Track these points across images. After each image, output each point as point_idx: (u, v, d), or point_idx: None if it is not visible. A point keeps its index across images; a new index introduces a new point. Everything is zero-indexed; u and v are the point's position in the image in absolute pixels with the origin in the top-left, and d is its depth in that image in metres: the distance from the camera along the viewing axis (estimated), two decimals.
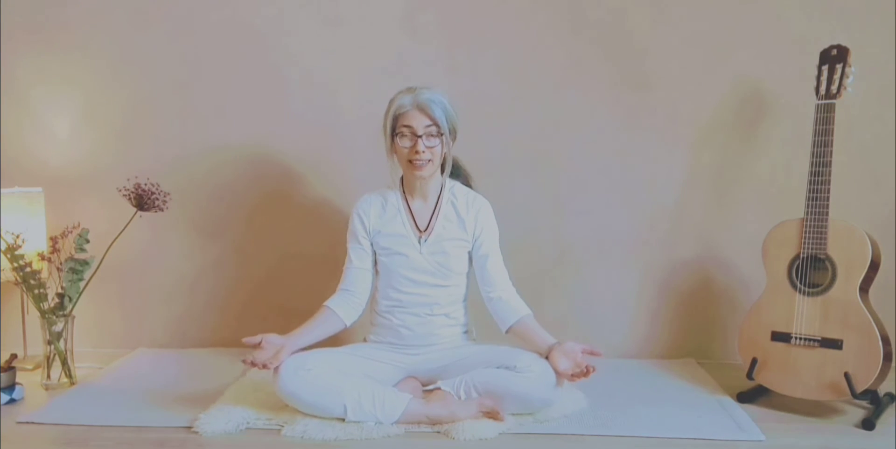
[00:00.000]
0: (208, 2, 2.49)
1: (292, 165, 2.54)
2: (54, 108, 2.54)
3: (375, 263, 2.11)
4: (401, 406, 1.87)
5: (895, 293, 2.41)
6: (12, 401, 2.08)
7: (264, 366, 1.87)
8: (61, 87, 2.53)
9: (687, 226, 2.52)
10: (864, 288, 1.99)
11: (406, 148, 1.99)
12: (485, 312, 2.09)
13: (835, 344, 1.98)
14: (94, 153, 2.55)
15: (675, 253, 2.53)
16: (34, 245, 2.31)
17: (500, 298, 2.06)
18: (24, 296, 2.33)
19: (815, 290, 2.02)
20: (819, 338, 2.00)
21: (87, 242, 2.25)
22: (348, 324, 2.07)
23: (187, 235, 2.57)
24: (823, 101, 2.05)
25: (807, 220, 2.03)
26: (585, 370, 1.84)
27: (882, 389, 2.06)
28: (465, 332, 2.14)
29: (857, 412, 2.04)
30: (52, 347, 2.22)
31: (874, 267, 1.99)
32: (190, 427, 1.86)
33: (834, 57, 2.08)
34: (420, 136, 1.97)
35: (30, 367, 2.38)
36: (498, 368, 1.93)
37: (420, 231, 2.06)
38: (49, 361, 2.23)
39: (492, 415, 1.88)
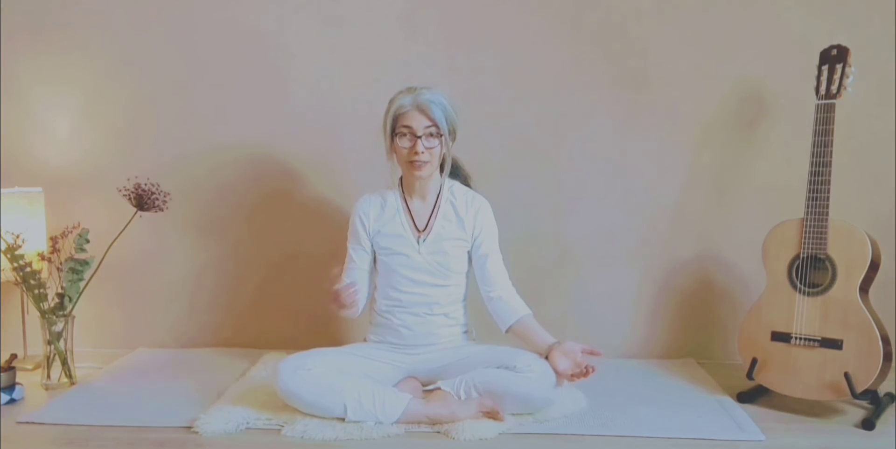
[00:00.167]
0: (208, 2, 2.49)
1: (292, 165, 2.54)
2: (54, 108, 2.54)
3: (375, 262, 2.11)
4: (401, 406, 1.87)
5: (895, 293, 2.41)
6: (12, 401, 2.08)
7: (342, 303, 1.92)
8: (61, 87, 2.53)
9: (687, 226, 2.52)
10: (864, 288, 1.99)
11: (405, 148, 1.99)
12: (484, 312, 2.09)
13: (835, 344, 1.98)
14: (94, 153, 2.55)
15: (675, 253, 2.53)
16: (34, 245, 2.31)
17: (499, 297, 2.06)
18: (24, 296, 2.33)
19: (815, 290, 2.02)
20: (819, 338, 2.00)
21: (87, 241, 2.25)
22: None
23: (187, 235, 2.57)
24: (823, 101, 2.05)
25: (807, 221, 2.03)
26: (585, 370, 1.84)
27: (882, 389, 2.06)
28: (465, 332, 2.14)
29: (857, 412, 2.04)
30: (52, 347, 2.22)
31: (874, 267, 1.99)
32: (190, 427, 1.87)
33: (834, 57, 2.08)
34: (420, 137, 1.97)
35: (30, 367, 2.38)
36: (498, 368, 1.93)
37: (419, 231, 2.06)
38: (49, 361, 2.23)
39: (492, 415, 1.88)
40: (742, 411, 2.02)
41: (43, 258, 2.26)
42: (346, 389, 1.87)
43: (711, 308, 2.53)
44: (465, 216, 2.07)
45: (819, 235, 2.01)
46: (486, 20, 2.47)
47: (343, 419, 1.86)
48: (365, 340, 2.16)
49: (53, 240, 2.25)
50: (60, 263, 2.24)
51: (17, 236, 2.16)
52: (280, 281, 2.58)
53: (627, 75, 2.48)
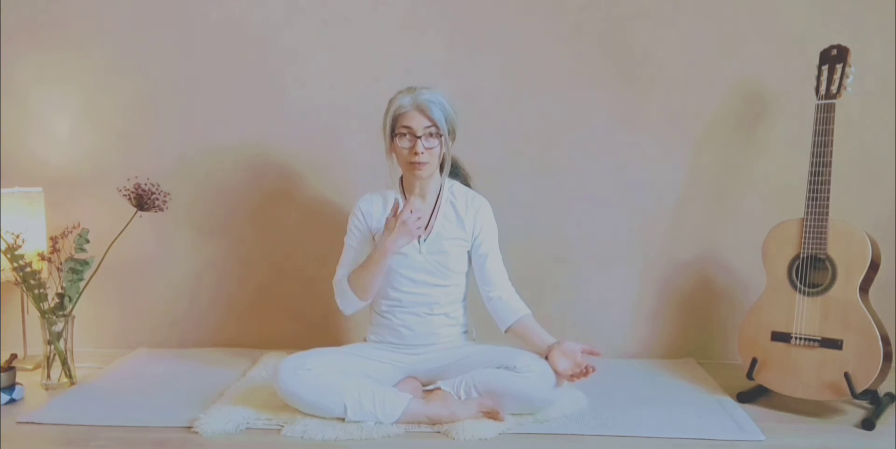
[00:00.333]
0: (209, 1, 2.49)
1: (292, 165, 2.54)
2: (54, 108, 2.54)
3: None
4: (401, 406, 1.87)
5: (895, 293, 2.41)
6: (12, 401, 2.08)
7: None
8: (61, 86, 2.53)
9: (687, 226, 2.52)
10: (864, 288, 1.99)
11: (405, 148, 1.99)
12: (484, 312, 2.09)
13: (835, 344, 1.98)
14: (94, 153, 2.55)
15: (675, 253, 2.53)
16: (34, 245, 2.31)
17: (499, 297, 2.06)
18: (24, 296, 2.33)
19: (815, 290, 2.02)
20: (819, 338, 2.00)
21: (87, 241, 2.25)
22: (346, 313, 2.08)
23: (187, 235, 2.57)
24: (823, 101, 2.05)
25: (807, 221, 2.03)
26: (585, 370, 1.84)
27: (882, 389, 2.06)
28: (465, 331, 2.14)
29: (857, 412, 2.04)
30: (52, 347, 2.22)
31: (874, 267, 1.99)
32: (190, 427, 1.87)
33: (834, 57, 2.08)
34: (419, 137, 1.97)
35: (30, 367, 2.38)
36: (498, 368, 1.93)
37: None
38: (49, 361, 2.23)
39: (492, 415, 1.88)
40: (742, 411, 2.02)
41: (43, 258, 2.26)
42: (346, 389, 1.87)
43: (711, 308, 2.53)
44: (466, 216, 2.07)
45: (819, 235, 2.01)
46: (486, 20, 2.47)
47: (343, 419, 1.86)
48: (365, 340, 2.16)
49: (53, 240, 2.25)
50: (60, 263, 2.24)
51: (17, 236, 2.16)
52: (280, 281, 2.58)
53: (627, 75, 2.48)
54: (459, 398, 1.92)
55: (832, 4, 2.40)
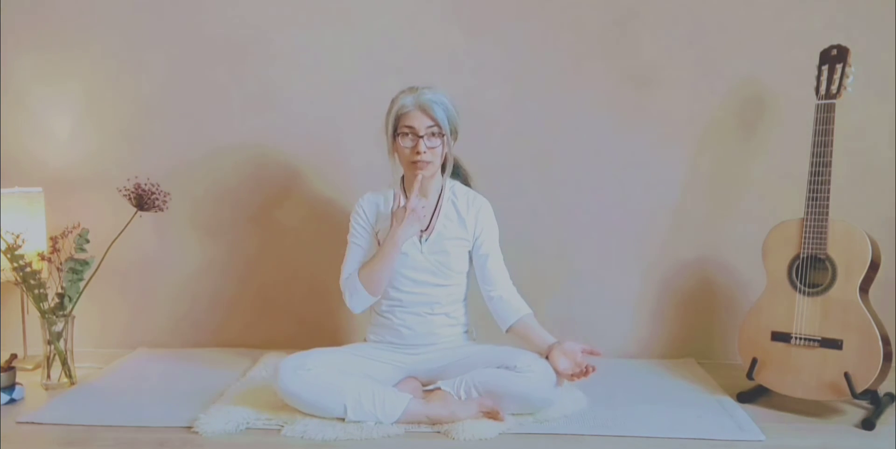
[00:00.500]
0: (209, 1, 2.49)
1: (293, 165, 2.54)
2: (54, 108, 2.54)
3: None
4: (401, 406, 1.87)
5: (895, 293, 2.41)
6: (12, 401, 2.08)
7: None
8: (62, 86, 2.53)
9: (687, 226, 2.52)
10: (864, 288, 1.99)
11: (408, 148, 1.99)
12: (485, 312, 2.09)
13: (835, 344, 1.98)
14: (94, 153, 2.55)
15: (675, 253, 2.53)
16: (34, 245, 2.31)
17: (500, 297, 2.06)
18: (24, 296, 2.33)
19: (815, 290, 2.02)
20: (819, 338, 2.00)
21: (87, 242, 2.25)
22: (357, 311, 2.08)
23: (188, 235, 2.57)
24: (823, 101, 2.05)
25: (807, 221, 2.03)
26: (585, 370, 1.84)
27: (882, 389, 2.06)
28: (466, 331, 2.14)
29: (857, 412, 2.04)
30: (52, 347, 2.22)
31: (874, 267, 1.99)
32: (190, 427, 1.86)
33: (834, 57, 2.08)
34: (422, 137, 1.97)
35: (30, 367, 2.38)
36: (498, 368, 1.93)
37: (421, 230, 2.06)
38: (49, 361, 2.23)
39: (492, 415, 1.88)
40: (742, 411, 2.02)
41: (43, 258, 2.26)
42: (346, 389, 1.87)
43: (711, 308, 2.53)
44: (467, 216, 2.08)
45: (819, 235, 2.01)
46: (487, 20, 2.47)
47: (343, 419, 1.86)
48: (365, 340, 2.16)
49: (53, 240, 2.25)
50: (60, 263, 2.24)
51: (17, 236, 2.16)
52: (280, 281, 2.58)
53: (628, 75, 2.48)
54: (459, 398, 1.92)
55: (832, 4, 2.41)
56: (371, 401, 1.86)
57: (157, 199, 2.28)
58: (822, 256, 2.01)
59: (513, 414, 1.91)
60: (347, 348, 2.09)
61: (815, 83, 2.08)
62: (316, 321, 2.58)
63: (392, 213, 2.00)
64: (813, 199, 2.02)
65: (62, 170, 2.54)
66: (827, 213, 2.00)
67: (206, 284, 2.59)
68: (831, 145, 2.02)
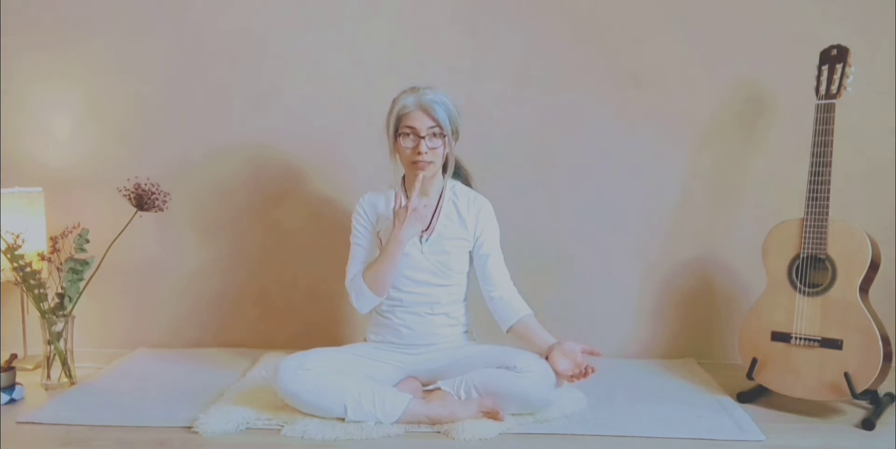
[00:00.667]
0: (210, 2, 2.49)
1: (294, 165, 2.54)
2: (54, 108, 2.53)
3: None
4: (401, 406, 1.87)
5: (895, 293, 2.41)
6: (12, 401, 2.08)
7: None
8: (62, 86, 2.53)
9: (687, 226, 2.52)
10: (864, 288, 1.99)
11: (409, 148, 1.99)
12: (485, 312, 2.09)
13: (835, 344, 1.98)
14: (95, 153, 2.55)
15: (675, 253, 2.53)
16: (34, 245, 2.31)
17: (500, 297, 2.06)
18: (24, 296, 2.33)
19: (815, 290, 2.02)
20: (819, 338, 2.00)
21: (87, 242, 2.25)
22: (363, 311, 2.09)
23: (188, 235, 2.57)
24: (823, 101, 2.05)
25: (807, 221, 2.03)
26: (585, 371, 1.84)
27: (882, 389, 2.06)
28: (466, 331, 2.14)
29: (857, 412, 2.04)
30: (52, 347, 2.22)
31: (874, 267, 1.99)
32: (190, 427, 1.87)
33: (834, 57, 2.08)
34: (423, 137, 1.97)
35: (30, 367, 2.38)
36: (498, 368, 1.93)
37: (421, 230, 2.06)
38: (49, 361, 2.23)
39: (492, 415, 1.88)
40: (742, 411, 2.02)
41: (43, 258, 2.26)
42: (346, 389, 1.87)
43: (711, 308, 2.53)
44: (468, 216, 2.08)
45: (819, 235, 2.01)
46: (487, 20, 2.47)
47: (343, 419, 1.86)
48: (365, 340, 2.16)
49: (53, 240, 2.25)
50: (60, 263, 2.24)
51: (17, 236, 2.16)
52: (281, 281, 2.58)
53: (628, 75, 2.48)
54: (459, 398, 1.92)
55: (832, 4, 2.40)
56: (371, 401, 1.86)
57: (157, 199, 2.28)
58: (822, 256, 2.01)
59: (513, 414, 1.91)
60: (347, 348, 2.09)
61: (815, 83, 2.08)
62: (316, 321, 2.58)
63: (394, 213, 2.00)
64: (813, 199, 2.03)
65: (62, 170, 2.54)
66: (827, 214, 2.00)
67: (206, 284, 2.59)
68: (831, 145, 2.02)
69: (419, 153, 1.97)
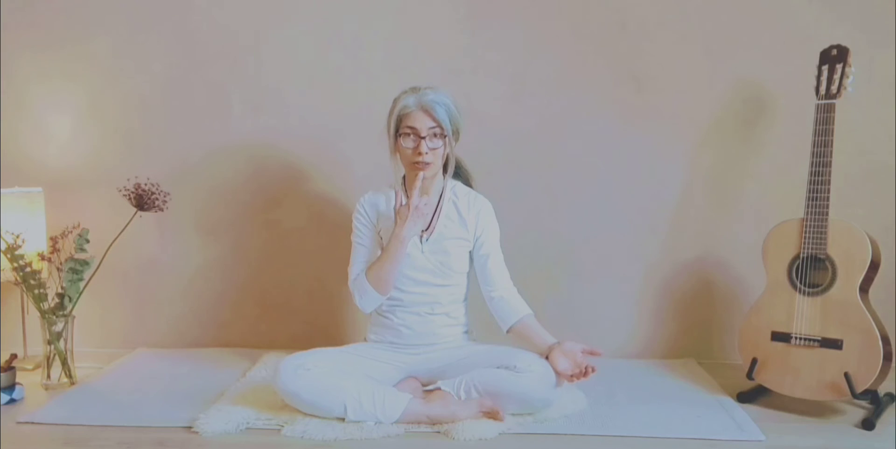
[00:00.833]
0: (210, 1, 2.48)
1: (294, 165, 2.54)
2: (54, 108, 2.53)
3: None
4: (401, 406, 1.87)
5: (895, 293, 2.41)
6: (12, 401, 2.08)
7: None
8: (62, 86, 2.53)
9: (687, 226, 2.52)
10: (864, 288, 1.99)
11: (409, 148, 1.99)
12: (485, 312, 2.09)
13: (835, 344, 1.98)
14: (95, 153, 2.55)
15: (675, 253, 2.53)
16: (34, 245, 2.31)
17: (501, 297, 2.06)
18: (24, 296, 2.33)
19: (815, 290, 2.02)
20: (819, 338, 2.00)
21: (88, 241, 2.25)
22: (367, 311, 2.08)
23: (188, 236, 2.57)
24: (823, 101, 2.05)
25: (807, 221, 2.03)
26: (585, 370, 1.84)
27: (882, 389, 2.06)
28: (466, 331, 2.14)
29: (857, 412, 2.04)
30: (52, 347, 2.22)
31: (874, 267, 1.99)
32: (190, 427, 1.87)
33: (834, 57, 2.08)
34: (424, 138, 1.97)
35: (30, 367, 2.38)
36: (498, 368, 1.93)
37: (422, 230, 2.06)
38: (49, 361, 2.23)
39: (492, 415, 1.88)
40: (742, 411, 2.02)
41: (43, 258, 2.26)
42: (346, 389, 1.87)
43: (711, 308, 2.53)
44: (468, 216, 2.07)
45: (819, 235, 2.01)
46: (487, 20, 2.47)
47: (343, 419, 1.86)
48: (365, 340, 2.16)
49: (53, 240, 2.25)
50: (60, 263, 2.24)
51: (17, 236, 2.16)
52: (280, 281, 2.58)
53: (628, 75, 2.48)
54: (459, 398, 1.92)
55: (832, 4, 2.40)
56: (371, 401, 1.86)
57: (157, 199, 2.28)
58: (822, 256, 2.01)
59: (513, 414, 1.91)
60: (348, 348, 2.09)
61: (815, 83, 2.08)
62: (316, 321, 2.58)
63: (395, 212, 2.00)
64: (813, 199, 2.03)
65: (62, 170, 2.54)
66: (827, 214, 2.00)
67: (206, 284, 2.59)
68: (831, 145, 2.02)
69: (420, 153, 1.97)
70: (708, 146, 2.49)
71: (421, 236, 2.05)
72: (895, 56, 2.40)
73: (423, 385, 2.04)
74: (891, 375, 2.01)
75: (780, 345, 2.06)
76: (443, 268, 2.06)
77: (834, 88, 2.05)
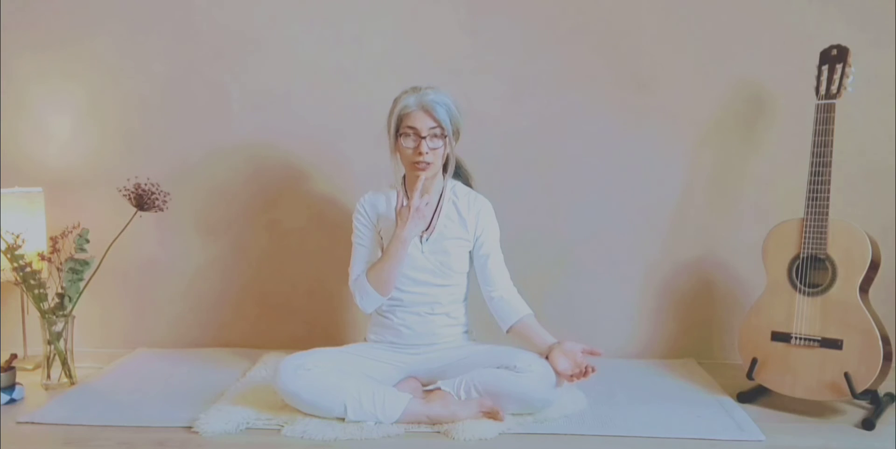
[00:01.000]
0: (210, 1, 2.48)
1: (294, 165, 2.54)
2: (55, 108, 2.53)
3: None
4: (401, 406, 1.87)
5: (895, 293, 2.41)
6: (12, 401, 2.08)
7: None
8: (62, 86, 2.53)
9: (687, 226, 2.52)
10: (864, 288, 1.99)
11: (409, 148, 1.99)
12: (485, 312, 2.09)
13: (835, 344, 1.98)
14: (95, 153, 2.55)
15: (675, 253, 2.53)
16: (34, 245, 2.31)
17: (501, 297, 2.06)
18: (24, 296, 2.33)
19: (815, 290, 2.02)
20: (819, 338, 2.00)
21: (87, 241, 2.25)
22: (367, 311, 2.08)
23: (188, 235, 2.57)
24: (823, 101, 2.05)
25: (807, 221, 2.03)
26: (585, 370, 1.84)
27: (882, 389, 2.06)
28: (466, 331, 2.14)
29: (857, 412, 2.04)
30: (52, 347, 2.22)
31: (874, 267, 1.99)
32: (190, 427, 1.87)
33: (834, 57, 2.08)
34: (424, 138, 1.97)
35: (30, 367, 2.38)
36: (498, 368, 1.93)
37: (422, 230, 2.06)
38: (49, 361, 2.23)
39: (492, 415, 1.88)
40: (742, 411, 2.02)
41: (43, 258, 2.26)
42: (346, 388, 1.87)
43: (711, 308, 2.53)
44: (468, 216, 2.08)
45: (819, 235, 2.01)
46: (487, 20, 2.47)
47: (343, 419, 1.86)
48: (365, 340, 2.16)
49: (53, 240, 2.25)
50: (60, 263, 2.24)
51: (17, 236, 2.16)
52: (280, 281, 2.58)
53: (628, 76, 2.48)
54: (459, 398, 1.92)
55: (832, 4, 2.40)
56: (371, 401, 1.86)
57: (157, 199, 2.28)
58: (822, 256, 2.01)
59: (513, 414, 1.91)
60: (348, 348, 2.09)
61: (815, 83, 2.08)
62: (316, 321, 2.58)
63: (396, 212, 2.00)
64: (813, 199, 2.03)
65: (62, 170, 2.54)
66: (827, 214, 2.00)
67: (206, 284, 2.59)
68: (831, 145, 2.02)
69: (420, 153, 1.97)
70: (708, 146, 2.50)
71: (421, 236, 2.05)
72: (895, 56, 2.40)
73: (423, 385, 2.04)
74: (891, 375, 2.01)
75: (780, 345, 2.06)
76: (443, 268, 2.06)
77: (834, 88, 2.05)
